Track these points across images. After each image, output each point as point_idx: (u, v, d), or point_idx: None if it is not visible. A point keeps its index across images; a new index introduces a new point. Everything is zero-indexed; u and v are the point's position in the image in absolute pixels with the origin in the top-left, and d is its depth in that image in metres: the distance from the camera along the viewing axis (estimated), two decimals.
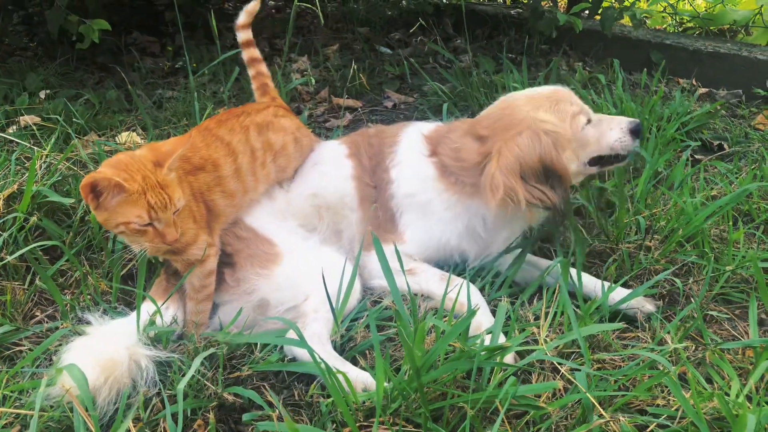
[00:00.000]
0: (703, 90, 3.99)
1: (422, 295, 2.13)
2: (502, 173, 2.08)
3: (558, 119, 2.17)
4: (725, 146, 3.33)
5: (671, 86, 4.03)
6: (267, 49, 4.72)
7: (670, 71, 4.05)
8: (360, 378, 1.72)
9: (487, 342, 1.72)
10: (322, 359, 1.57)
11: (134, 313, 1.87)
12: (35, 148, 2.69)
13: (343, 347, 1.94)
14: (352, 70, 3.92)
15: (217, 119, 2.19)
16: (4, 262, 2.13)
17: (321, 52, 4.49)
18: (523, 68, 3.65)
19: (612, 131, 2.25)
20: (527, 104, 2.20)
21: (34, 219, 2.20)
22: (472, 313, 1.67)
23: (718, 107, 3.56)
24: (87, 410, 1.51)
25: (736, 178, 2.91)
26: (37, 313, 2.11)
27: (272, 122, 2.27)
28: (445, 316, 1.90)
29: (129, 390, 1.66)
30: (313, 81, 3.78)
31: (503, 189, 2.07)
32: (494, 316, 1.85)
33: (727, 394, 1.69)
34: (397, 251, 1.98)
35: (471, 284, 2.06)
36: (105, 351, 1.68)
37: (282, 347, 1.90)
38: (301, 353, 1.82)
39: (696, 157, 3.20)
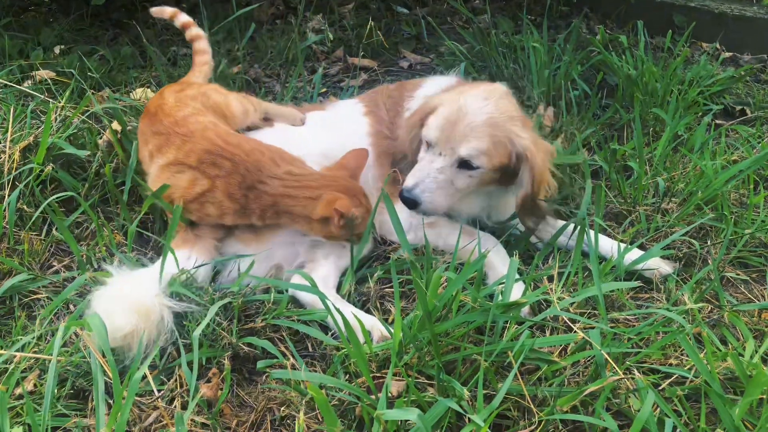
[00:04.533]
0: (726, 54, 3.90)
1: (441, 249, 2.13)
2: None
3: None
4: (747, 111, 3.26)
5: (693, 50, 3.94)
6: (282, 7, 4.65)
7: (693, 35, 3.95)
8: (367, 321, 1.74)
9: (499, 294, 1.73)
10: (335, 307, 1.58)
11: (155, 264, 1.88)
12: (50, 101, 2.68)
13: (354, 301, 1.96)
14: (368, 28, 3.85)
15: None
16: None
17: (336, 11, 4.42)
18: (543, 30, 3.57)
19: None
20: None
21: (48, 169, 2.20)
22: (481, 258, 1.68)
23: (743, 73, 3.48)
24: (104, 356, 1.53)
25: (759, 143, 2.85)
26: (54, 264, 2.13)
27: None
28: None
29: (152, 339, 1.68)
30: (331, 37, 3.73)
31: None
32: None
33: (741, 355, 1.68)
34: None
35: (485, 233, 2.07)
36: (137, 298, 1.70)
37: (296, 302, 1.92)
38: (311, 299, 1.85)
39: (717, 122, 3.15)
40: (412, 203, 1.98)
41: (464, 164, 1.99)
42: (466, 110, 1.97)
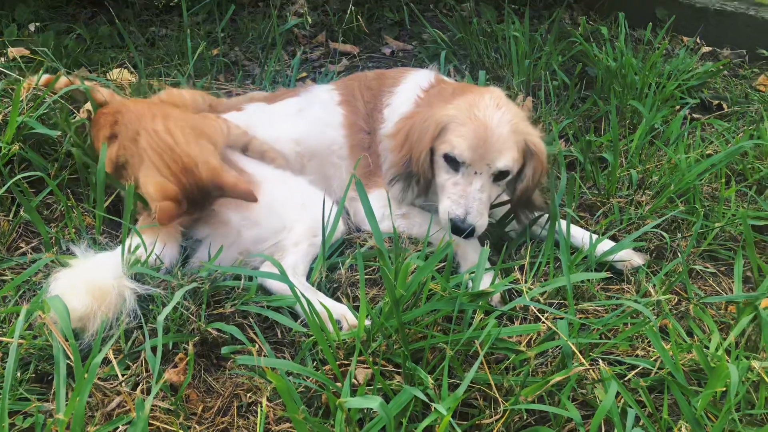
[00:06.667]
0: (706, 48, 3.92)
1: (415, 237, 2.13)
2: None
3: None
4: (724, 106, 3.28)
5: (675, 44, 3.95)
6: None
7: (674, 28, 3.96)
8: (336, 309, 1.73)
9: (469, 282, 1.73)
10: (302, 293, 1.57)
11: (119, 247, 1.85)
12: (21, 79, 2.62)
13: (325, 288, 1.94)
14: (349, 12, 3.81)
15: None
16: None
17: None
18: (525, 19, 3.56)
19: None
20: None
21: (15, 147, 2.15)
22: (447, 244, 1.68)
23: (720, 67, 3.49)
24: (66, 339, 1.50)
25: (733, 137, 2.87)
26: (22, 245, 2.09)
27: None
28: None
29: (111, 321, 1.66)
30: (309, 20, 3.69)
31: None
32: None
33: (707, 347, 1.70)
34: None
35: None
36: (94, 280, 1.68)
37: (264, 290, 1.90)
38: (279, 287, 1.84)
39: (695, 116, 3.16)
40: (470, 233, 1.93)
41: (498, 176, 2.00)
42: (491, 123, 1.96)
